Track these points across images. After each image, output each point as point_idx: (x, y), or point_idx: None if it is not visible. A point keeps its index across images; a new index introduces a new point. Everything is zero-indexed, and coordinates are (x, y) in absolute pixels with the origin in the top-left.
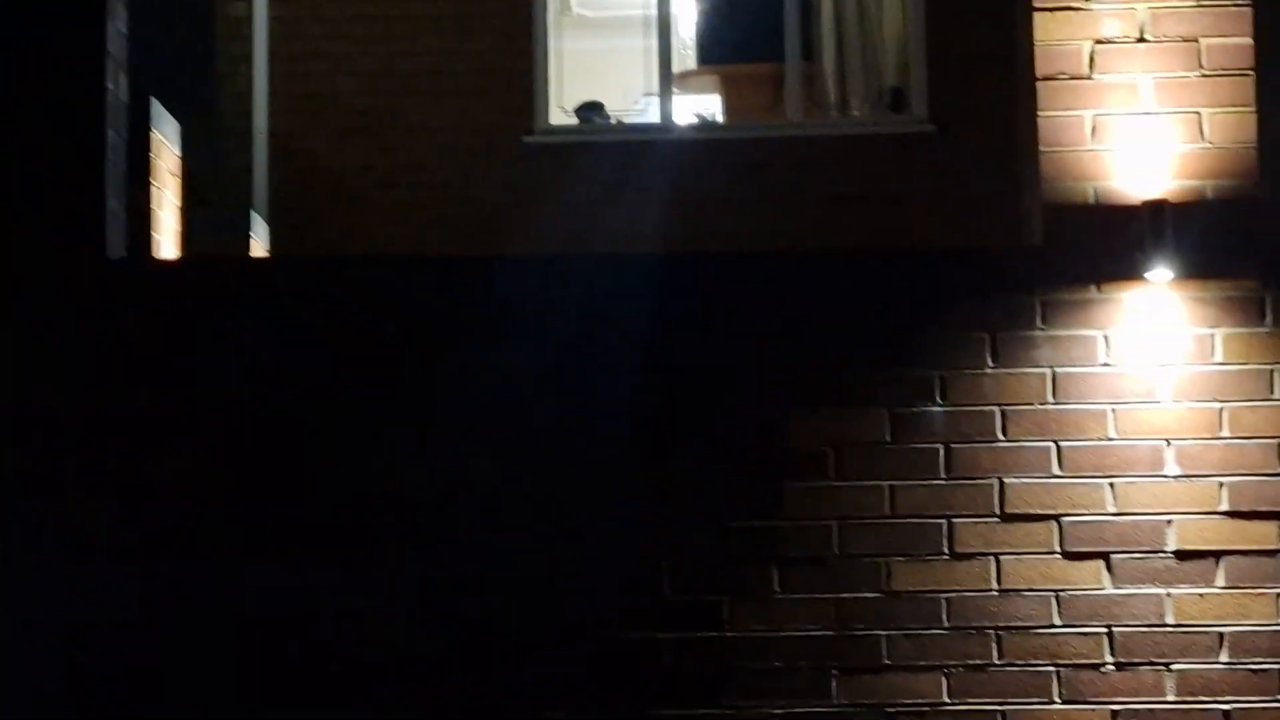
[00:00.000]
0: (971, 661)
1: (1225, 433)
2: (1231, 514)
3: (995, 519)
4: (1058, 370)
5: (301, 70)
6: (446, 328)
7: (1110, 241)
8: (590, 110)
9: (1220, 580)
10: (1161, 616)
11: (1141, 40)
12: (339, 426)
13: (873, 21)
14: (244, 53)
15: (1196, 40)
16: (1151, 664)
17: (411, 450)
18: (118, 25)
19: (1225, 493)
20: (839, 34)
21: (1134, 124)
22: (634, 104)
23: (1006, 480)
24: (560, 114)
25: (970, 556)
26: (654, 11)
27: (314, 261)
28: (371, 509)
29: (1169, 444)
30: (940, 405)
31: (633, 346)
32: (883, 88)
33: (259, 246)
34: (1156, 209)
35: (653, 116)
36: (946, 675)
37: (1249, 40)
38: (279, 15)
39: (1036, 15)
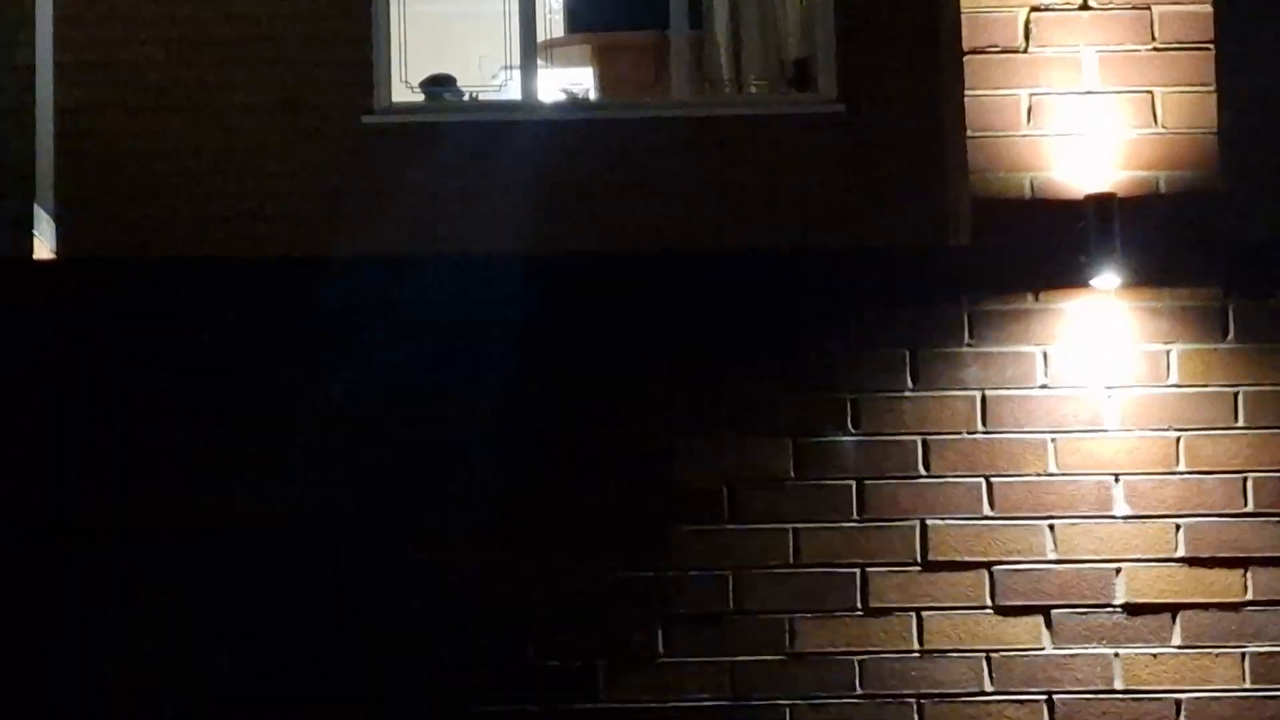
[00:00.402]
0: None
1: (1182, 466)
2: (1189, 560)
3: (916, 567)
4: (988, 392)
5: (95, 37)
6: (266, 342)
7: (1049, 242)
8: (439, 85)
9: (1177, 639)
10: (1110, 681)
11: (1085, 8)
12: (137, 451)
13: None
14: (23, 16)
15: (1149, 8)
16: None
17: (226, 477)
18: None
19: (1182, 536)
20: None
21: (1076, 105)
22: (492, 78)
23: (930, 522)
24: (405, 90)
25: (887, 612)
26: None
27: (108, 263)
28: (186, 537)
29: (1117, 480)
30: (852, 434)
31: (489, 363)
32: (784, 61)
33: (43, 246)
34: (1103, 204)
35: (514, 93)
36: None
37: (1208, 8)
38: None
39: None
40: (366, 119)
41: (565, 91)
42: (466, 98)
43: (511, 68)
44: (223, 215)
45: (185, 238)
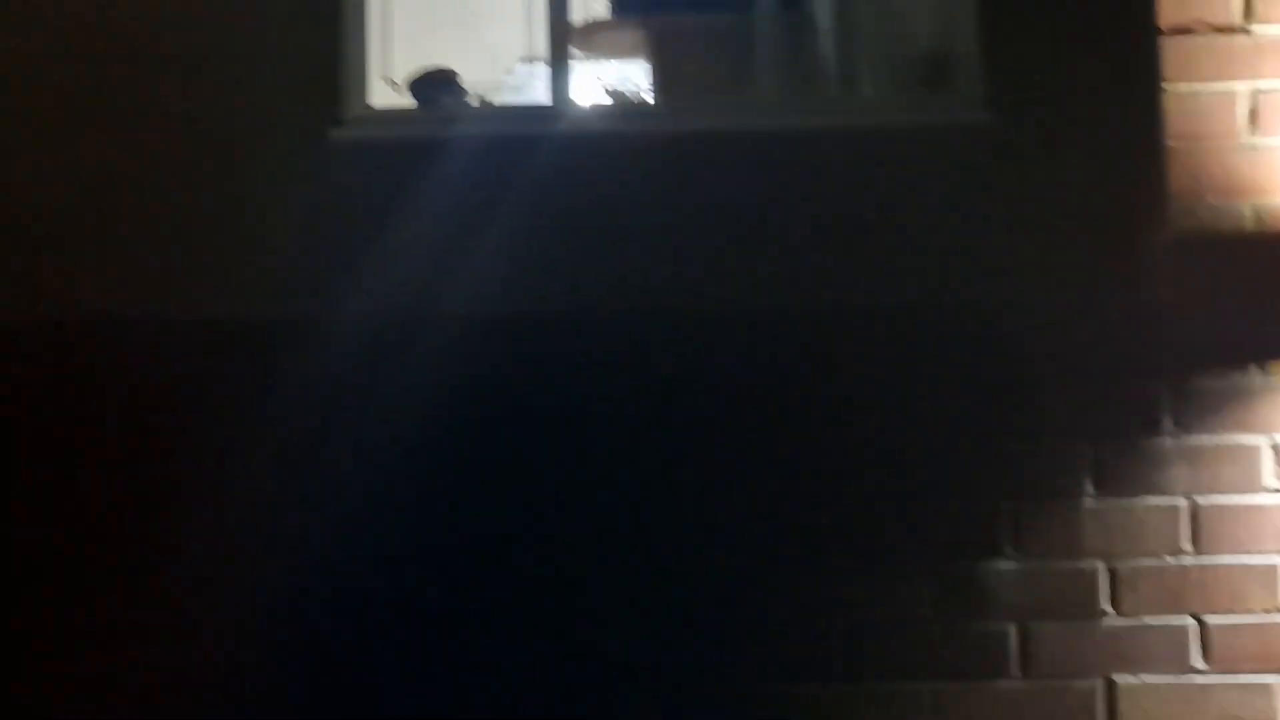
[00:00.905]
0: None
1: None
2: None
3: None
4: (1199, 501)
5: None
6: None
7: None
8: (435, 85)
9: None
10: None
11: None
12: None
13: None
14: None
15: None
16: None
17: None
18: None
19: None
20: None
21: None
22: (506, 74)
23: (1119, 682)
24: (389, 91)
25: None
26: None
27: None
28: None
29: None
30: (1010, 558)
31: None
32: (912, 54)
33: None
34: None
35: (538, 95)
36: None
37: None
38: None
39: None
40: (336, 133)
41: (609, 93)
42: (474, 101)
43: (535, 60)
44: (146, 263)
45: (93, 295)
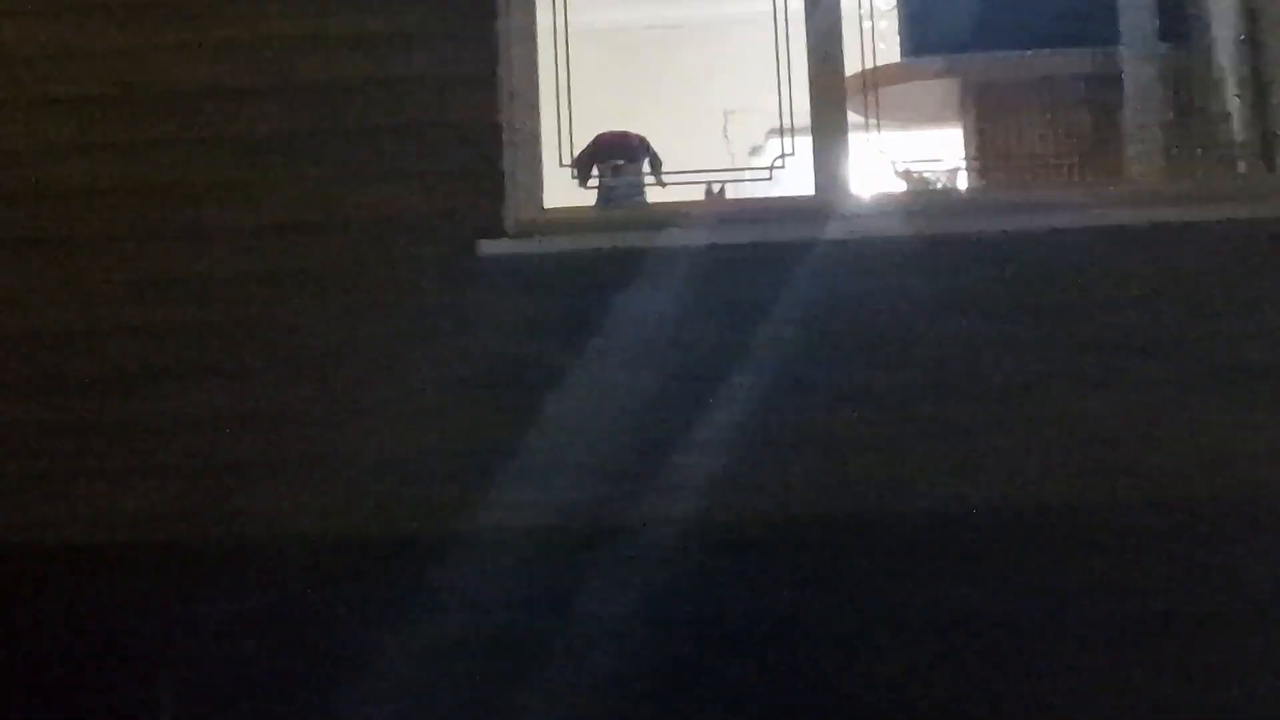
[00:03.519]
0: None
1: None
2: None
3: None
4: None
5: None
6: None
7: None
8: (613, 156)
9: None
10: None
11: None
12: None
13: None
14: None
15: None
16: None
17: None
18: None
19: None
20: None
21: None
22: (751, 154)
23: None
24: (568, 181)
25: None
26: None
27: None
28: None
29: None
30: None
31: None
32: None
33: None
34: None
35: (795, 182)
36: None
37: None
38: None
39: None
40: (488, 247)
41: (903, 174)
42: (703, 191)
43: (789, 133)
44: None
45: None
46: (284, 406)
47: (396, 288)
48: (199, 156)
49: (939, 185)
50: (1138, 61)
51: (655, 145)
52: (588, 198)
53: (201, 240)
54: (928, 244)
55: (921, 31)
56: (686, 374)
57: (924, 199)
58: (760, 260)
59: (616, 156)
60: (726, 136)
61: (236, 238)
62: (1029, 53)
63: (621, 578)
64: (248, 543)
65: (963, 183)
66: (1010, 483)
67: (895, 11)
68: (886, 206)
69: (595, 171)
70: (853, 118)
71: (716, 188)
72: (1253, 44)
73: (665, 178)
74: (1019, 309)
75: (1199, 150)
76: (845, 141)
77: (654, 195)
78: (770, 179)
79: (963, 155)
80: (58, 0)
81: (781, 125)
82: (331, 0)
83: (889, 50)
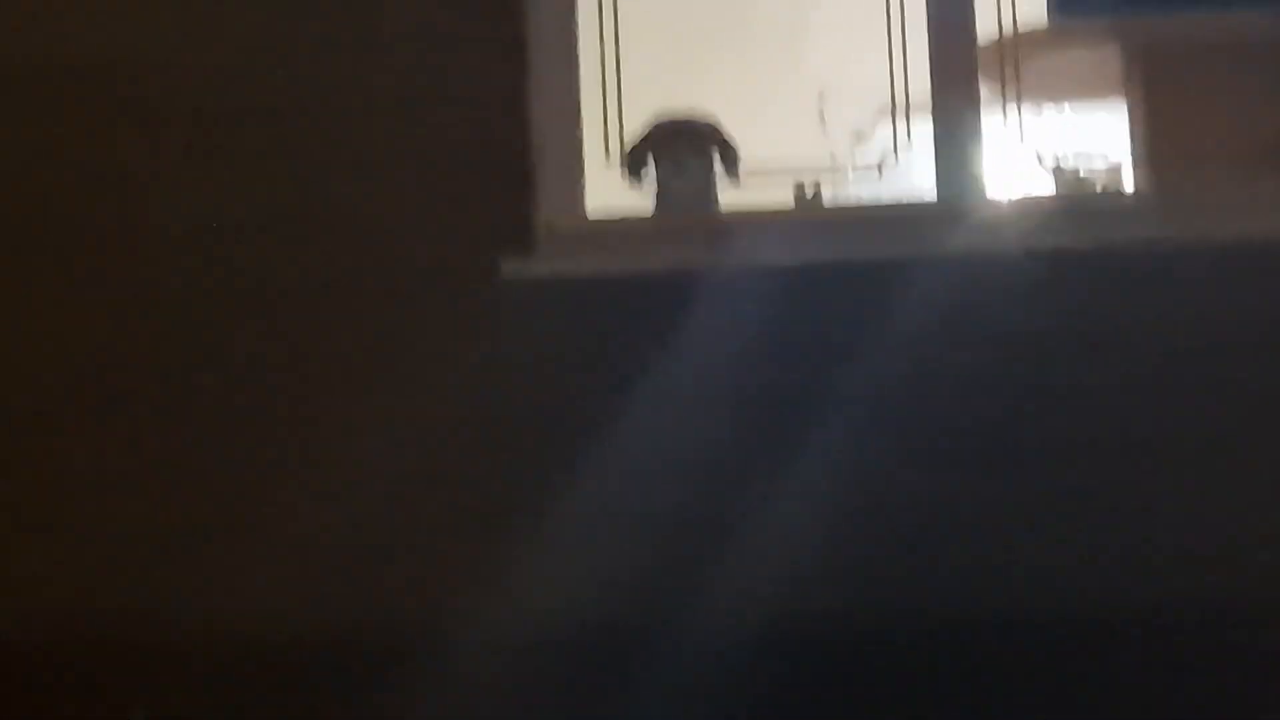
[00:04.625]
0: None
1: None
2: None
3: None
4: None
5: None
6: None
7: None
8: (676, 147)
9: None
10: None
11: None
12: None
13: None
14: None
15: None
16: None
17: None
18: None
19: None
20: None
21: None
22: (854, 142)
23: None
24: (617, 179)
25: None
26: None
27: None
28: None
29: None
30: None
31: None
32: None
33: None
34: None
35: (909, 180)
36: None
37: None
38: None
39: None
40: (512, 266)
41: (1055, 170)
42: (797, 193)
43: (904, 116)
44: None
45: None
46: (234, 466)
47: (393, 317)
48: (144, 137)
49: (1098, 185)
50: None
51: (730, 132)
52: (643, 202)
53: (140, 243)
54: (1084, 261)
55: None
56: (764, 430)
57: (1079, 202)
58: (865, 283)
59: (679, 148)
60: (823, 120)
61: (184, 241)
62: (1214, 11)
63: (666, 699)
64: (182, 642)
65: (1128, 181)
66: (1197, 576)
67: None
68: (1031, 212)
69: (651, 167)
70: (986, 96)
71: (810, 188)
72: None
73: (743, 175)
74: (1202, 343)
75: None
76: (978, 127)
77: (727, 198)
78: (880, 176)
79: (1128, 145)
80: None
81: (894, 106)
82: None
83: (1033, 7)
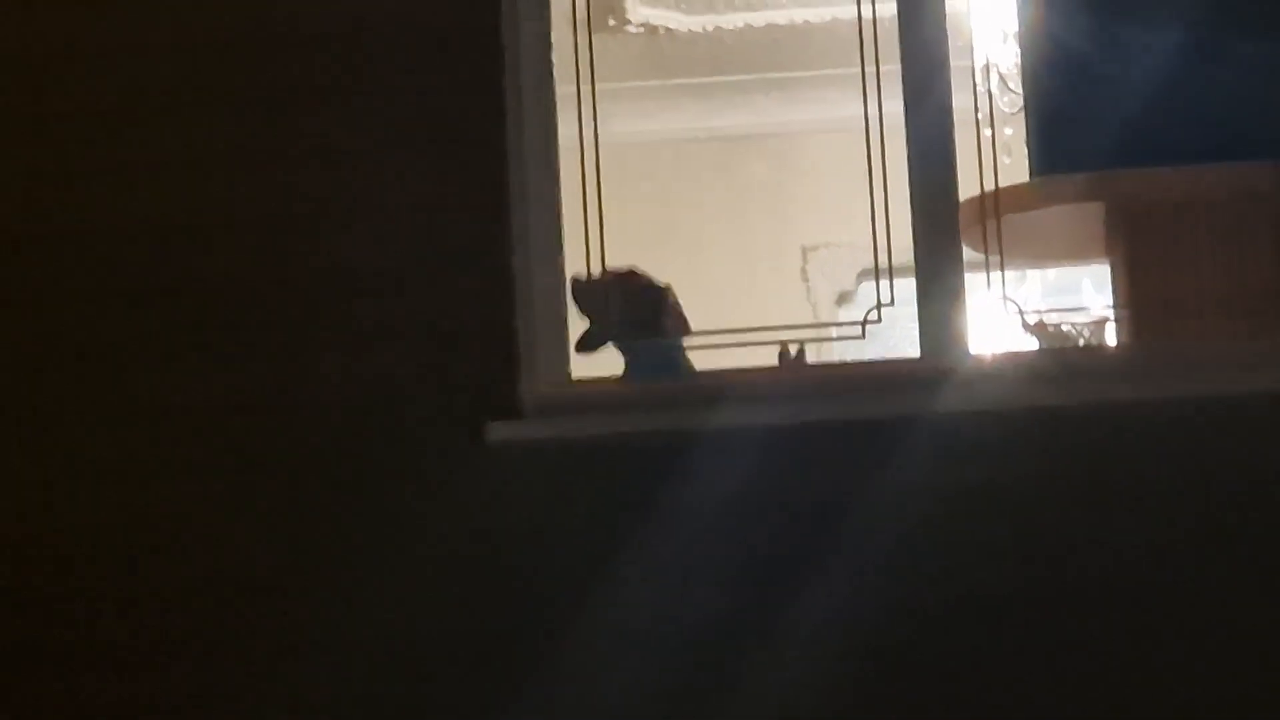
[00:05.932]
0: None
1: None
2: None
3: None
4: None
5: None
6: None
7: None
8: (639, 307)
9: None
10: None
11: None
12: None
13: None
14: None
15: None
16: None
17: None
18: None
19: None
20: None
21: None
22: (837, 302)
23: None
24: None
25: None
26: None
27: None
28: None
29: None
30: None
31: None
32: None
33: None
34: None
35: (887, 339)
36: None
37: None
38: None
39: None
40: (498, 432)
41: (1034, 329)
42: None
43: (887, 276)
44: None
45: None
46: (209, 637)
47: (375, 483)
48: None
49: (1082, 341)
50: None
51: (715, 292)
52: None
53: (138, 423)
54: (1068, 418)
55: (1058, 142)
56: (753, 594)
57: (1063, 360)
58: (850, 443)
59: (642, 308)
60: (806, 280)
61: (174, 420)
62: (1196, 165)
63: None
64: None
65: (1112, 338)
66: None
67: (1022, 117)
68: (1015, 371)
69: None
70: (968, 255)
71: (794, 349)
72: None
73: (728, 337)
74: (1191, 501)
75: None
76: (960, 286)
77: (710, 359)
78: (863, 336)
79: (1110, 302)
80: None
81: (876, 265)
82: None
83: (1015, 166)
